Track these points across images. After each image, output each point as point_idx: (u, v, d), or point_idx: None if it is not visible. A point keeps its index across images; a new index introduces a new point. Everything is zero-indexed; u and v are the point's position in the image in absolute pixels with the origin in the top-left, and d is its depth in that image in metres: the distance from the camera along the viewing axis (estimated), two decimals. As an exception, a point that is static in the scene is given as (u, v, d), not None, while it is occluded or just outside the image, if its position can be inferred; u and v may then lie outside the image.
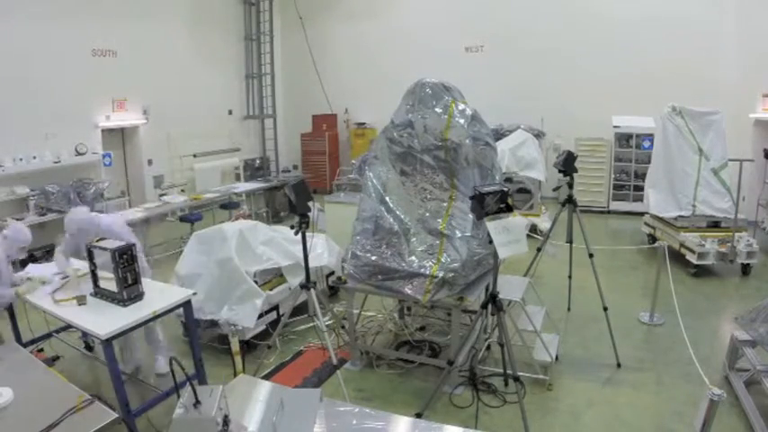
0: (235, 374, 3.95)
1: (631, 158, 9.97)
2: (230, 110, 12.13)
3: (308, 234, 3.82)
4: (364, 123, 12.38)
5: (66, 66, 8.36)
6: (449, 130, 4.15)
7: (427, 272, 3.99)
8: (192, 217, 8.40)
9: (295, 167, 12.68)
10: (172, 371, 1.94)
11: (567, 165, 4.79)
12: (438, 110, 4.24)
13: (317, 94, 12.53)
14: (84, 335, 4.35)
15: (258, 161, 11.17)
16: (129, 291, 3.44)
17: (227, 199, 9.12)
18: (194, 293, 3.72)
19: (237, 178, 10.88)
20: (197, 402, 1.78)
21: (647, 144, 9.56)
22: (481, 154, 4.26)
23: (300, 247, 3.87)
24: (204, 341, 4.75)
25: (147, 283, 3.65)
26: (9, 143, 7.61)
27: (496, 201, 3.20)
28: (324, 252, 5.63)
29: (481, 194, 3.20)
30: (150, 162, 10.17)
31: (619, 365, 4.50)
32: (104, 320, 3.16)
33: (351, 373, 4.46)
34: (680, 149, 7.12)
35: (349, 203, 6.56)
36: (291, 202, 3.73)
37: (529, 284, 4.48)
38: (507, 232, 3.25)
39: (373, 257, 4.22)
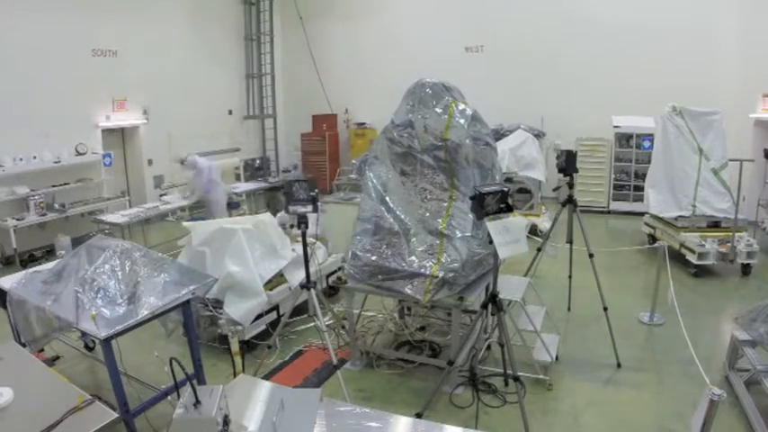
0: (235, 374, 3.95)
1: (631, 158, 9.97)
2: (230, 110, 12.14)
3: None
4: (364, 123, 12.38)
5: (66, 66, 8.37)
6: (449, 130, 4.15)
7: (427, 272, 3.99)
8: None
9: (295, 167, 12.69)
10: (172, 371, 1.94)
11: (568, 164, 4.79)
12: (438, 110, 4.23)
13: (317, 94, 12.53)
14: (84, 335, 4.35)
15: (258, 161, 11.18)
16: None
17: (227, 199, 9.13)
18: (193, 293, 3.71)
19: (237, 178, 10.89)
20: (197, 402, 1.78)
21: (647, 144, 9.56)
22: (481, 154, 4.26)
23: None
24: (204, 341, 4.75)
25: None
26: (9, 143, 7.62)
27: (496, 201, 3.20)
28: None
29: (481, 194, 3.20)
30: (150, 162, 10.18)
31: (619, 365, 4.50)
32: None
33: (351, 373, 4.46)
34: (680, 149, 7.12)
35: (349, 203, 6.57)
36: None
37: (529, 284, 4.48)
38: (507, 232, 3.25)
39: (373, 257, 4.22)
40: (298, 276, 5.07)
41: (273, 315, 5.05)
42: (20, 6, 7.76)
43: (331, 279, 5.89)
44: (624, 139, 9.97)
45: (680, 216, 7.01)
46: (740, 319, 4.26)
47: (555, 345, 4.44)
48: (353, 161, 8.60)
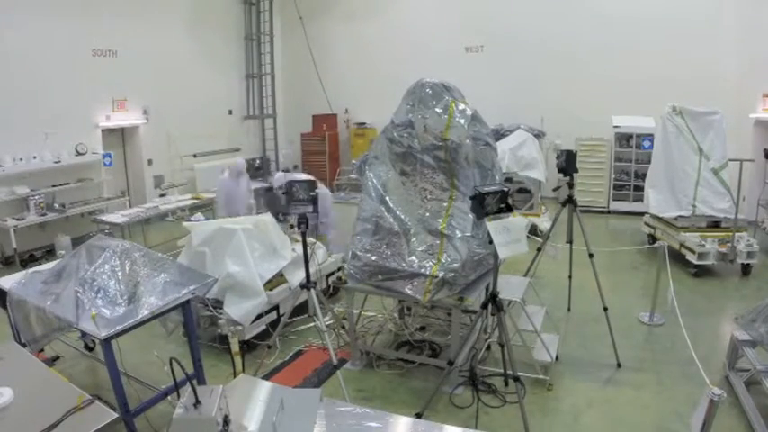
0: (235, 374, 3.95)
1: (631, 158, 9.96)
2: (230, 110, 12.14)
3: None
4: (364, 123, 12.38)
5: (66, 66, 8.37)
6: (449, 130, 4.15)
7: (427, 272, 3.99)
8: None
9: (295, 167, 12.68)
10: (172, 371, 1.94)
11: (568, 164, 4.79)
12: (438, 110, 4.23)
13: (317, 94, 12.52)
14: (84, 335, 4.36)
15: (258, 161, 11.18)
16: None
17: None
18: (193, 293, 3.71)
19: (237, 178, 10.85)
20: (197, 402, 1.79)
21: (647, 144, 9.56)
22: (481, 154, 4.27)
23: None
24: (204, 341, 4.75)
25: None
26: (9, 143, 7.62)
27: (496, 201, 3.21)
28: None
29: (481, 194, 3.20)
30: (150, 162, 10.18)
31: (619, 365, 4.50)
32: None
33: (351, 373, 4.46)
34: (680, 149, 7.11)
35: (349, 203, 6.56)
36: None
37: (529, 284, 4.48)
38: (507, 232, 3.25)
39: (373, 257, 4.22)
40: (298, 276, 5.07)
41: (273, 315, 5.05)
42: (20, 7, 7.76)
43: (331, 279, 5.89)
44: (624, 139, 9.97)
45: (680, 216, 7.01)
46: (740, 319, 4.26)
47: (555, 345, 4.44)
48: (353, 161, 8.60)
